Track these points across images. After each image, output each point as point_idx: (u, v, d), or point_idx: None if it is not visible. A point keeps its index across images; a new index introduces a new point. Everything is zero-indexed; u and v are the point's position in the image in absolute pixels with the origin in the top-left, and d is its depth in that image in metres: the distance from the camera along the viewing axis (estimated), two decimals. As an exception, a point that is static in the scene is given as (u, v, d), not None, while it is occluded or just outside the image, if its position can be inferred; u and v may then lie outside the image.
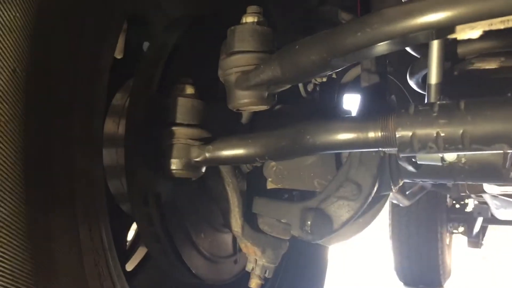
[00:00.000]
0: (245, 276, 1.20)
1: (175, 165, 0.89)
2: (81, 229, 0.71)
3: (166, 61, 1.01)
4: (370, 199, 1.00)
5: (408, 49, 1.07)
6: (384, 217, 3.61)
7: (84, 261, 0.71)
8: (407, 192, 2.26)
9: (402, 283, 3.74)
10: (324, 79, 1.19)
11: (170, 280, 1.32)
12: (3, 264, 0.57)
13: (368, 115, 0.78)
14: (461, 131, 0.67)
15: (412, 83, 1.10)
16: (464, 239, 3.80)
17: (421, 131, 0.70)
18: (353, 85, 1.41)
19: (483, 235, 3.95)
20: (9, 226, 0.58)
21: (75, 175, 0.71)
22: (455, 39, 0.98)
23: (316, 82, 1.21)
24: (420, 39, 0.71)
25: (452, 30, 0.63)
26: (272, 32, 0.91)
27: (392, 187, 1.04)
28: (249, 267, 1.09)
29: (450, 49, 0.98)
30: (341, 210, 1.01)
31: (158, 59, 1.01)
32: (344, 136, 0.78)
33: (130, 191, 0.98)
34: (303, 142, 0.81)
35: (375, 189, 1.00)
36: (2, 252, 0.57)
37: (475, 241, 3.86)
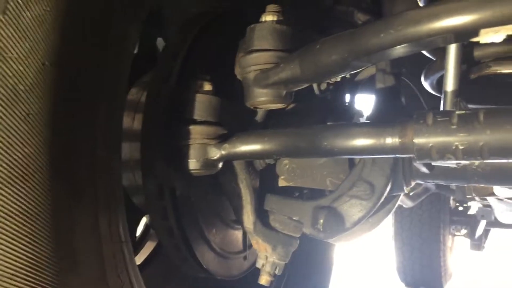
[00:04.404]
0: (251, 272, 1.21)
1: (193, 165, 0.90)
2: (101, 220, 0.72)
3: (185, 57, 1.02)
4: (382, 199, 1.01)
5: (423, 51, 1.07)
6: (387, 217, 3.62)
7: (103, 252, 0.72)
8: (411, 194, 2.26)
9: (403, 284, 3.75)
10: (339, 79, 1.19)
11: (177, 274, 1.33)
12: (28, 254, 0.58)
13: (385, 121, 0.78)
14: (480, 143, 0.67)
15: (426, 85, 1.10)
16: (466, 241, 3.80)
17: (440, 142, 0.70)
18: (366, 85, 1.41)
19: (486, 238, 3.95)
20: (35, 217, 0.59)
21: (97, 167, 0.71)
22: (472, 42, 0.98)
23: (330, 81, 1.22)
24: (439, 43, 0.71)
25: (475, 33, 0.64)
26: (291, 31, 0.92)
27: (404, 187, 1.05)
28: (259, 263, 1.10)
29: (466, 52, 0.99)
30: (353, 209, 1.01)
31: (176, 54, 1.02)
32: (361, 142, 0.78)
33: (145, 185, 0.98)
34: (320, 145, 0.81)
35: (388, 189, 1.01)
36: (28, 242, 0.58)
37: (478, 244, 3.87)
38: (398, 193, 1.09)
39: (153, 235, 1.50)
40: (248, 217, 1.07)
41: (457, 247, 4.03)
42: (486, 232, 3.92)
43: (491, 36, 0.65)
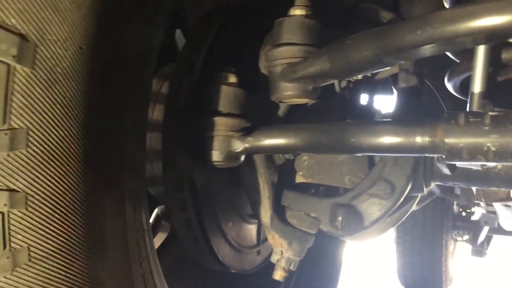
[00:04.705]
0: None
1: (216, 156, 0.89)
2: (127, 208, 0.72)
3: (208, 49, 1.01)
4: (402, 199, 1.01)
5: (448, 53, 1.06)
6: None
7: (128, 240, 0.72)
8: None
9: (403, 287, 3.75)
10: (360, 77, 1.19)
11: (186, 267, 1.33)
12: (63, 238, 0.57)
13: (414, 120, 0.78)
14: None
15: (449, 87, 1.10)
16: (468, 247, 3.80)
17: (472, 143, 0.70)
18: (384, 85, 1.41)
19: (488, 244, 3.95)
20: (68, 200, 0.58)
21: (125, 156, 0.71)
22: (500, 44, 0.98)
23: (352, 79, 1.21)
24: (470, 44, 0.70)
25: (510, 34, 0.63)
26: (319, 26, 0.91)
27: (425, 188, 1.04)
28: (274, 258, 1.09)
29: (494, 54, 0.98)
30: (372, 208, 1.01)
31: (200, 47, 1.01)
32: (389, 139, 0.78)
33: (165, 176, 0.98)
34: (346, 142, 0.81)
35: (408, 189, 1.00)
36: (62, 227, 0.57)
37: (479, 250, 3.86)
38: (418, 194, 1.08)
39: (164, 227, 1.50)
40: (266, 212, 1.06)
41: (458, 252, 4.02)
42: (488, 238, 3.91)
43: (529, 37, 0.64)
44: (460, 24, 0.65)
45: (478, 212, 3.78)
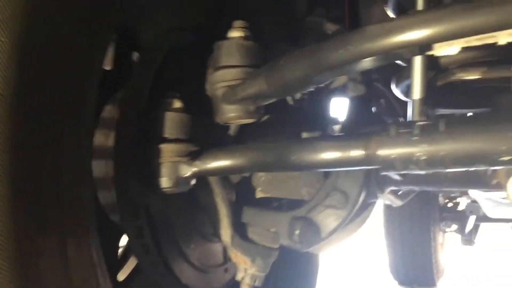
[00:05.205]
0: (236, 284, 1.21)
1: (165, 183, 0.90)
2: (69, 245, 0.72)
3: (155, 75, 1.02)
4: (357, 207, 1.02)
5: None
6: (379, 217, 3.64)
7: (72, 278, 0.71)
8: (399, 193, 2.27)
9: (396, 282, 3.77)
10: (312, 89, 1.20)
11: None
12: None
13: (350, 134, 0.79)
14: (441, 153, 0.69)
15: (397, 93, 1.12)
16: (457, 237, 3.83)
17: (402, 154, 0.72)
18: (342, 90, 1.42)
19: (476, 233, 3.98)
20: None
21: (63, 190, 0.71)
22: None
23: (304, 92, 1.23)
24: (404, 55, 0.72)
25: (429, 48, 0.65)
26: (259, 46, 0.93)
27: (379, 195, 1.06)
28: (239, 276, 1.10)
29: (433, 59, 1.00)
30: (328, 219, 1.02)
31: (147, 72, 1.02)
32: (328, 155, 0.79)
33: (120, 204, 0.98)
34: (288, 160, 0.82)
35: (362, 197, 1.02)
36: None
37: (468, 239, 3.90)
38: (373, 201, 1.10)
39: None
40: (226, 231, 1.07)
41: (448, 243, 4.06)
42: (476, 227, 3.95)
43: (445, 49, 0.66)
44: (377, 42, 0.66)
45: (463, 202, 3.82)
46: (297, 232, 1.01)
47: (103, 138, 1.16)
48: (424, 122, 0.72)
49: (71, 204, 0.73)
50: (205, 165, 0.91)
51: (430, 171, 0.80)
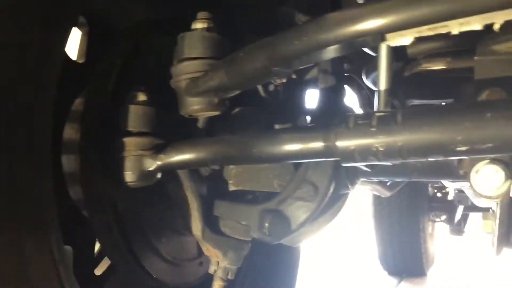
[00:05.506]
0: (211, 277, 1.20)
1: (129, 177, 0.89)
2: (27, 241, 0.71)
3: (121, 68, 1.01)
4: (326, 199, 1.02)
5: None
6: (368, 207, 3.66)
7: (30, 276, 0.71)
8: (388, 183, 2.28)
9: (386, 273, 3.80)
10: (284, 80, 1.19)
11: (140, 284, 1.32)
12: None
13: (311, 126, 0.79)
14: (398, 144, 0.68)
15: (368, 82, 1.11)
16: (446, 227, 3.85)
17: (361, 145, 0.71)
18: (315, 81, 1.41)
19: (465, 222, 4.00)
20: None
21: (18, 191, 0.70)
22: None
23: (276, 83, 1.22)
24: (359, 45, 0.71)
25: (382, 38, 0.64)
26: (223, 38, 0.92)
27: (350, 186, 1.06)
28: (211, 269, 1.10)
29: (401, 50, 0.99)
30: (298, 211, 1.02)
31: (112, 66, 1.01)
32: (288, 147, 0.79)
33: (87, 200, 0.98)
34: (250, 153, 0.81)
35: (332, 189, 1.01)
36: None
37: (457, 228, 3.91)
38: (345, 192, 1.10)
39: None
40: (196, 224, 1.07)
41: (438, 233, 4.08)
42: (464, 217, 3.97)
43: (399, 39, 0.65)
44: (330, 32, 0.66)
45: (452, 192, 3.83)
46: (266, 224, 1.01)
47: (73, 132, 1.15)
48: (382, 113, 0.72)
49: (28, 201, 0.72)
50: (169, 159, 0.91)
51: (390, 163, 0.80)
